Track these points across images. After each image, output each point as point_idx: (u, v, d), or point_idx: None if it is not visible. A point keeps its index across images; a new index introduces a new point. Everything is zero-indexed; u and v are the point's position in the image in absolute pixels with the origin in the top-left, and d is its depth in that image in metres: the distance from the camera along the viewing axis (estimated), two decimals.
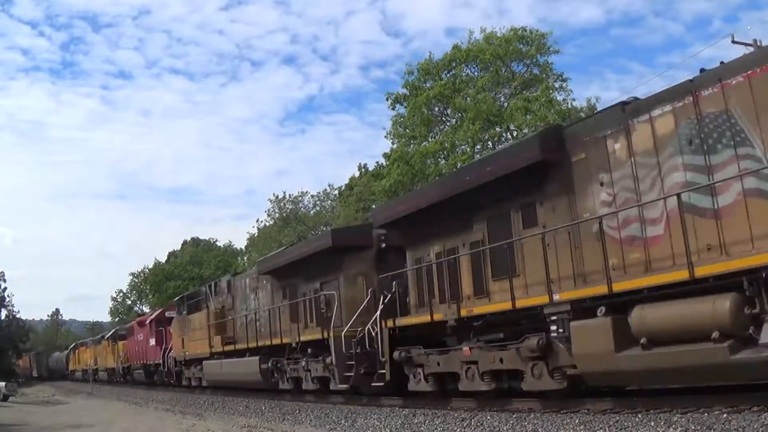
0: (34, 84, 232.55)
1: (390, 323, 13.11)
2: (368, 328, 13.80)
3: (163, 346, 30.08)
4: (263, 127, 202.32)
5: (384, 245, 15.22)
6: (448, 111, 32.47)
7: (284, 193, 47.35)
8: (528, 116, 28.53)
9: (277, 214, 46.78)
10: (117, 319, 72.66)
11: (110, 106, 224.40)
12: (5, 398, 28.57)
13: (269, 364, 18.44)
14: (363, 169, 45.82)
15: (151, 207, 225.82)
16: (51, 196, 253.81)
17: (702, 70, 8.70)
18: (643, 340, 8.40)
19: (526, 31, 31.56)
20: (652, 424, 7.86)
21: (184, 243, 74.39)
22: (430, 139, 31.95)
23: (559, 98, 30.60)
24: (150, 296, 70.13)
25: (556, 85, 31.33)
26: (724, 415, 7.53)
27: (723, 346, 7.40)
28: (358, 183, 43.24)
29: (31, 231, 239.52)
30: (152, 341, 31.60)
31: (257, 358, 18.93)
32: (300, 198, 46.82)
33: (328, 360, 15.13)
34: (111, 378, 42.21)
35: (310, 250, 16.41)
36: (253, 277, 20.84)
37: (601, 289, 9.03)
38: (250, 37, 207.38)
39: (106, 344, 42.97)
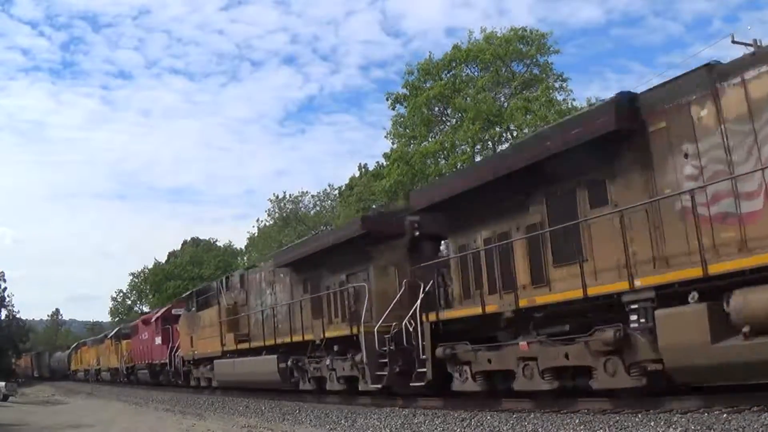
0: (34, 84, 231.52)
1: (432, 317, 11.89)
2: (405, 323, 12.59)
3: (170, 345, 28.76)
4: (263, 127, 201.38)
5: (417, 233, 14.05)
6: (448, 111, 32.44)
7: (284, 192, 47.23)
8: (528, 116, 28.44)
9: (277, 214, 46.59)
10: (117, 319, 72.30)
11: (110, 106, 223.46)
12: (5, 398, 27.86)
13: (288, 363, 17.19)
14: (363, 169, 45.76)
15: (151, 207, 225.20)
16: (51, 196, 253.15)
17: None
18: (746, 329, 7.27)
19: (526, 31, 31.55)
20: (652, 424, 7.79)
21: (184, 243, 73.77)
22: (430, 139, 31.97)
23: (559, 98, 30.67)
24: (150, 296, 69.74)
25: (556, 85, 31.50)
26: (724, 415, 7.45)
27: None
28: (359, 183, 42.96)
29: (31, 231, 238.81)
30: (158, 340, 30.33)
31: (275, 356, 17.66)
32: (300, 198, 46.72)
33: (357, 358, 13.92)
34: (114, 378, 40.94)
35: (336, 239, 15.19)
36: (269, 270, 19.60)
37: (694, 272, 7.87)
38: (250, 37, 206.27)
39: (109, 343, 41.65)
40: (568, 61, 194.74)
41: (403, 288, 13.47)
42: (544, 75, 31.34)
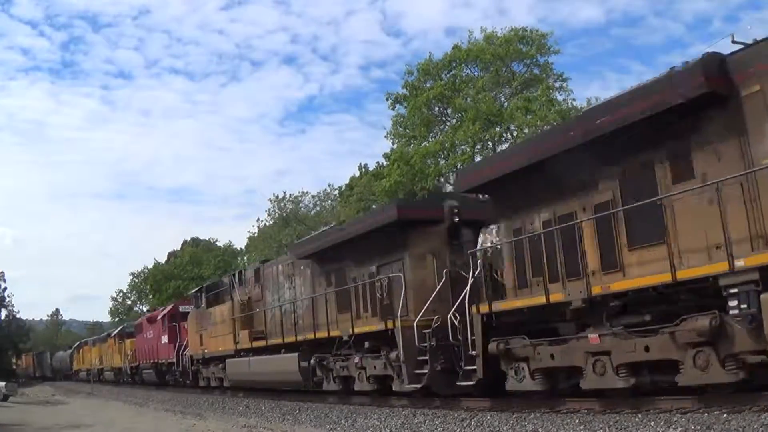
0: (34, 84, 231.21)
1: (483, 309, 10.73)
2: (450, 317, 11.47)
3: (177, 344, 27.58)
4: (263, 127, 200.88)
5: (457, 219, 12.96)
6: (448, 111, 32.33)
7: (284, 192, 47.03)
8: (528, 116, 28.38)
9: (277, 214, 46.24)
10: (117, 319, 71.95)
11: (110, 106, 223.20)
12: (5, 398, 26.98)
13: (311, 361, 16.05)
14: (363, 169, 45.59)
15: (150, 207, 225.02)
16: (51, 196, 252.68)
17: None
18: None
19: (526, 31, 31.41)
20: (652, 424, 7.74)
21: (184, 243, 73.04)
22: (430, 139, 31.91)
23: (560, 98, 30.34)
24: (150, 296, 69.26)
25: (557, 85, 31.07)
26: (724, 415, 7.37)
27: None
28: (359, 183, 42.62)
29: (31, 231, 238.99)
30: (164, 338, 29.12)
31: (296, 354, 16.54)
32: (300, 198, 46.42)
33: (392, 355, 12.82)
34: (117, 378, 39.69)
35: (366, 227, 14.04)
36: (287, 263, 18.46)
37: None
38: (250, 37, 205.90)
39: (112, 342, 40.34)
40: (568, 61, 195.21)
41: (444, 278, 12.37)
42: (544, 75, 31.30)
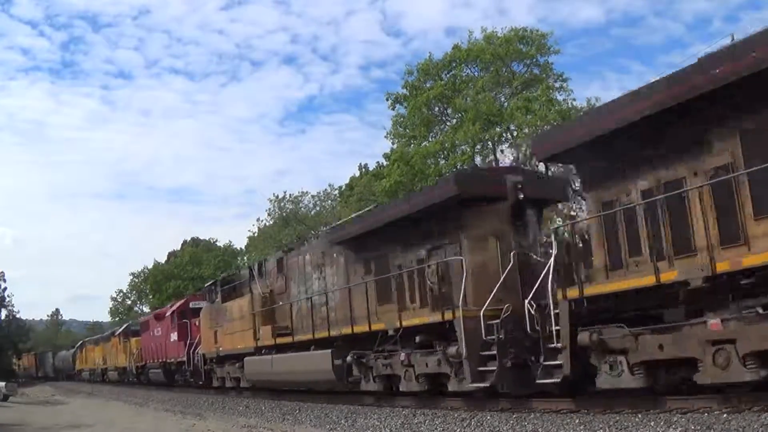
0: (34, 84, 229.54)
1: (572, 293, 9.23)
2: (527, 305, 10.06)
3: (188, 341, 26.04)
4: (263, 127, 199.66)
5: (522, 195, 11.58)
6: (448, 111, 32.54)
7: (284, 192, 46.40)
8: (528, 116, 28.43)
9: (277, 214, 45.70)
10: (117, 319, 71.72)
11: (110, 106, 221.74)
12: (5, 398, 26.28)
13: (348, 359, 14.50)
14: (363, 169, 45.74)
15: (150, 207, 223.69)
16: (51, 196, 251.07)
17: None
18: None
19: (526, 31, 31.62)
20: (652, 424, 7.73)
21: (184, 243, 72.70)
22: (430, 140, 32.11)
23: (560, 98, 30.46)
24: (150, 296, 69.42)
25: (557, 85, 31.23)
26: (724, 415, 7.36)
27: None
28: (359, 183, 42.52)
29: (31, 231, 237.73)
30: (174, 336, 27.60)
31: (329, 351, 15.01)
32: (300, 198, 45.87)
33: (451, 350, 11.38)
34: (122, 378, 38.12)
35: (415, 206, 12.59)
36: (316, 251, 17.02)
37: None
38: (250, 36, 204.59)
39: (117, 341, 38.76)
40: (568, 61, 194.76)
41: (512, 261, 10.98)
42: (544, 75, 31.38)
